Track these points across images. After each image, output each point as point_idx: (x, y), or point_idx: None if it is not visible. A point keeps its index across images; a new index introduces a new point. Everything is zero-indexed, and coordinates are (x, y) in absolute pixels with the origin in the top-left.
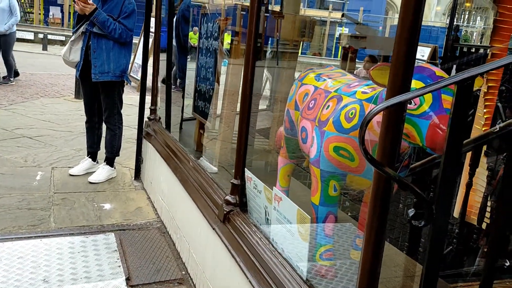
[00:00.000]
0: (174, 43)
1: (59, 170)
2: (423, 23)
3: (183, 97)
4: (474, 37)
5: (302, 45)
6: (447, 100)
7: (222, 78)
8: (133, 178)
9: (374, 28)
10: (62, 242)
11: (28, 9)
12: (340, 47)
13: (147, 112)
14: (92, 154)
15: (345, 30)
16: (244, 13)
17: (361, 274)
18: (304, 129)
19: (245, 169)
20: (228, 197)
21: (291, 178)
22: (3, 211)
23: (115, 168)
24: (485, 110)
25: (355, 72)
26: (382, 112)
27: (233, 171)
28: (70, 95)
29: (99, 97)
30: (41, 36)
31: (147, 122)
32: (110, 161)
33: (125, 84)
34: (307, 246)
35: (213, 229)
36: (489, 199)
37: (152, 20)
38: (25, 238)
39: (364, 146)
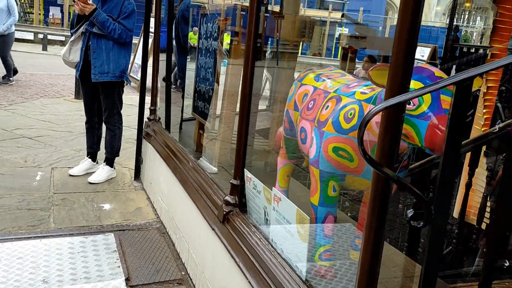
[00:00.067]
0: (174, 43)
1: (59, 171)
2: (423, 23)
3: (182, 97)
4: (474, 37)
5: (302, 45)
6: (446, 101)
7: (222, 79)
8: (133, 179)
9: (374, 28)
10: (61, 242)
11: (28, 9)
12: (340, 47)
13: (147, 113)
14: (92, 154)
15: (345, 30)
16: (244, 13)
17: (360, 275)
18: (303, 129)
19: (245, 169)
20: (228, 198)
21: (291, 178)
22: (3, 212)
23: (114, 168)
24: (484, 111)
25: (354, 73)
26: (381, 113)
27: (233, 171)
28: (70, 96)
29: (99, 98)
30: (41, 36)
31: (147, 122)
32: (110, 162)
33: (125, 84)
34: (306, 246)
35: (213, 229)
36: (488, 199)
37: (152, 20)
38: (25, 239)
39: (363, 147)
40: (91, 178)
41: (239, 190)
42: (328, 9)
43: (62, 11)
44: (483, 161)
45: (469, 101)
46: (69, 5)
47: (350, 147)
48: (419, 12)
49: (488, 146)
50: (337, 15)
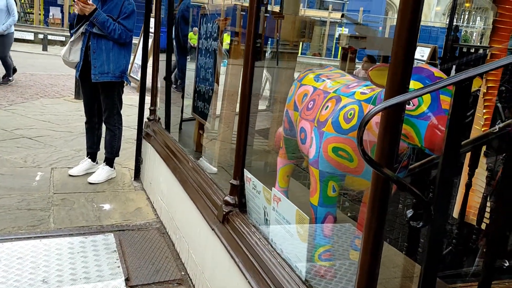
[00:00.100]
0: (174, 43)
1: (58, 171)
2: (423, 23)
3: (182, 97)
4: (474, 37)
5: (302, 45)
6: (446, 101)
7: (222, 79)
8: (133, 179)
9: (373, 28)
10: (61, 242)
11: (28, 10)
12: (340, 48)
13: (146, 113)
14: (92, 154)
15: (345, 31)
16: (244, 13)
17: (360, 275)
18: (303, 129)
19: (244, 169)
20: (227, 198)
21: (291, 178)
22: (2, 212)
23: (114, 168)
24: (484, 111)
25: (354, 73)
26: (380, 113)
27: (232, 171)
28: (70, 96)
29: (99, 98)
30: (41, 36)
31: (146, 122)
32: (109, 162)
33: (124, 84)
34: (306, 246)
35: (212, 229)
36: (488, 199)
37: (152, 20)
38: (25, 239)
39: (362, 147)
40: (91, 178)
41: (238, 190)
42: (328, 9)
43: (62, 11)
44: (483, 161)
45: (469, 101)
46: (69, 5)
47: (349, 147)
48: (418, 10)
49: (488, 146)
50: (337, 15)
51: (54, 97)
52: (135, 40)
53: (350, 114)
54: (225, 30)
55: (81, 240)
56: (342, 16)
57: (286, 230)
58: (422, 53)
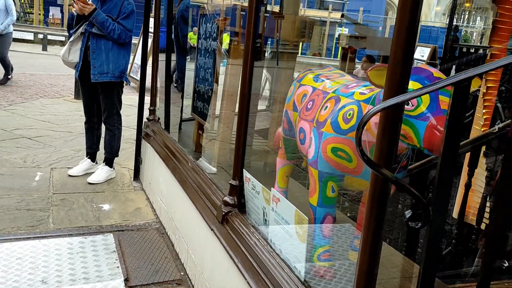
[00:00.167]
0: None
1: (58, 171)
2: (422, 23)
3: (182, 97)
4: (474, 37)
5: (302, 45)
6: (445, 101)
7: (221, 79)
8: (132, 179)
9: (373, 28)
10: (60, 243)
11: (28, 10)
12: (340, 48)
13: (146, 113)
14: (91, 154)
15: (345, 31)
16: (243, 13)
17: (358, 275)
18: (302, 130)
19: (244, 170)
20: (227, 198)
21: (290, 178)
22: (2, 212)
23: (114, 168)
24: (484, 111)
25: (353, 73)
26: (379, 113)
27: (232, 172)
28: (69, 96)
29: (98, 98)
30: (41, 36)
31: (146, 122)
32: (109, 162)
33: (124, 84)
34: (305, 247)
35: (212, 230)
36: (488, 199)
37: (151, 20)
38: (24, 239)
39: (361, 147)
40: (90, 179)
41: (238, 191)
42: (328, 9)
43: (62, 11)
44: (482, 161)
45: (468, 101)
46: (69, 5)
47: (348, 147)
48: (417, 10)
49: (488, 147)
50: (337, 15)
51: (53, 97)
52: (134, 40)
53: (349, 115)
54: (224, 30)
55: (81, 240)
56: (342, 16)
57: (285, 231)
58: (422, 53)
